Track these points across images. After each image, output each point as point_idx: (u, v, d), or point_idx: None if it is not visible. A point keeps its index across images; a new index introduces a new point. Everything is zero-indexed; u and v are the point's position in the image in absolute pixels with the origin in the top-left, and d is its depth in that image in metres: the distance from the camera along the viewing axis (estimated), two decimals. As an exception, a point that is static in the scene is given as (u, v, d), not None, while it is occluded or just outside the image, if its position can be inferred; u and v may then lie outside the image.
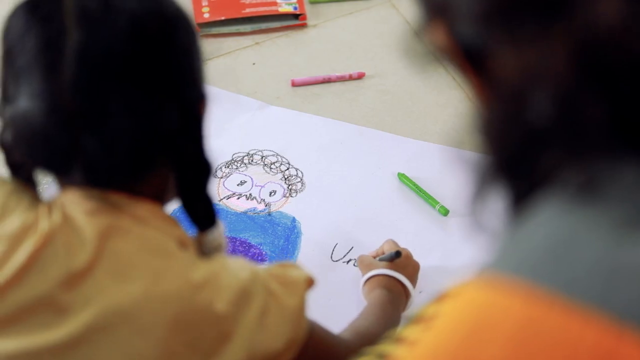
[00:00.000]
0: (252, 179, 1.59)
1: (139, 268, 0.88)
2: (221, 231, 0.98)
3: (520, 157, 0.58)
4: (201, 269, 0.91)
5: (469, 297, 0.57)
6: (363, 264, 1.36)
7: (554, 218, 0.57)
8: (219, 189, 1.57)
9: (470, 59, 0.62)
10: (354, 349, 1.09)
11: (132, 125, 0.86)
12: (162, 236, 0.91)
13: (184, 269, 0.90)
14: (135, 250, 0.88)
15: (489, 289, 0.56)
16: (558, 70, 0.55)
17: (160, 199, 0.95)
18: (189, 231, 0.97)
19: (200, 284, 0.89)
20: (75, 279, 0.86)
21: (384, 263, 1.33)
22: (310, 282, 1.01)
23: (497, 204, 0.61)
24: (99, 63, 0.83)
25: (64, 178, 0.90)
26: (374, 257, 1.36)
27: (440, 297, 0.59)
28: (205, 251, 0.96)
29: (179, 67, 0.89)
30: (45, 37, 0.84)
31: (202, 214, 0.96)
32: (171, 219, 0.94)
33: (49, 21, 0.84)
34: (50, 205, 0.90)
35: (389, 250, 1.36)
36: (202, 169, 0.94)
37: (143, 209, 0.91)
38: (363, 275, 1.35)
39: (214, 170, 0.94)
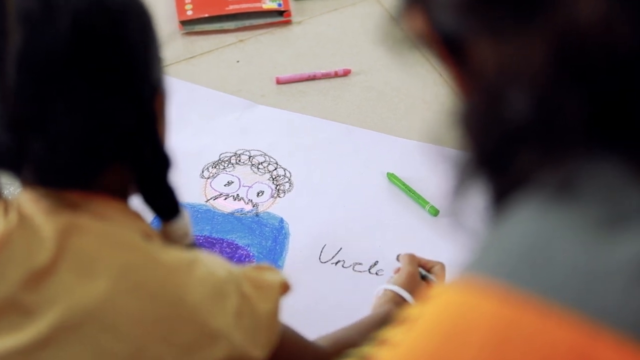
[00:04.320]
0: (239, 179, 1.60)
1: (103, 264, 0.88)
2: (186, 220, 0.98)
3: (499, 155, 0.58)
4: (171, 254, 0.91)
5: (446, 299, 0.58)
6: (409, 271, 1.33)
7: (531, 218, 0.57)
8: (205, 190, 1.58)
9: (450, 49, 0.62)
10: (328, 358, 1.10)
11: (80, 127, 0.85)
12: (124, 230, 0.90)
13: (151, 257, 0.90)
14: (98, 246, 0.88)
15: (466, 291, 0.56)
16: (536, 66, 0.55)
17: (123, 194, 0.95)
18: (154, 223, 0.97)
19: (171, 267, 0.90)
20: (37, 279, 0.86)
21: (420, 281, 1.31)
22: (285, 287, 1.01)
23: (478, 202, 0.61)
24: (41, 66, 0.83)
25: (21, 178, 0.91)
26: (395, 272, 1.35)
27: (425, 299, 0.60)
28: (172, 241, 0.96)
29: (129, 64, 0.88)
30: None
31: (165, 205, 0.96)
32: (133, 213, 0.94)
33: None
34: (6, 206, 0.90)
35: (405, 265, 1.33)
36: (160, 164, 0.93)
37: (102, 205, 0.91)
38: (394, 276, 1.33)
39: (173, 163, 0.93)
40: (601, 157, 0.56)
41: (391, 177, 1.58)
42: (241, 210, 1.55)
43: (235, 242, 1.50)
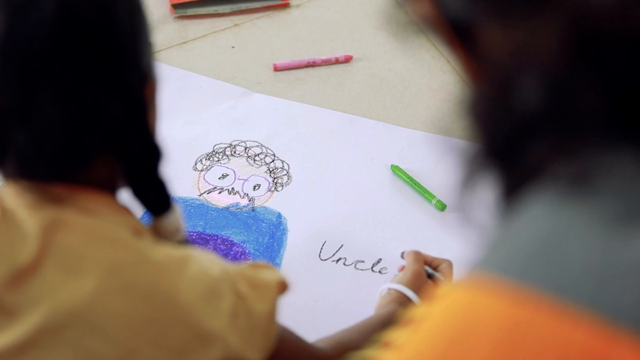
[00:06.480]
0: (234, 171, 1.61)
1: (90, 262, 0.87)
2: (178, 215, 0.98)
3: (509, 146, 0.58)
4: (162, 251, 0.91)
5: (455, 298, 0.57)
6: (415, 268, 1.33)
7: (544, 213, 0.57)
8: (199, 183, 1.59)
9: (458, 34, 0.61)
10: None
11: (66, 117, 0.85)
12: (113, 226, 0.90)
13: (141, 254, 0.89)
14: (85, 242, 0.88)
15: (475, 290, 0.56)
16: (549, 52, 0.55)
17: (111, 187, 0.95)
18: (144, 218, 0.97)
19: (162, 265, 0.90)
20: (20, 277, 0.86)
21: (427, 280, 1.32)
22: (283, 286, 1.01)
23: (488, 196, 0.61)
24: (25, 52, 0.83)
25: (3, 170, 0.91)
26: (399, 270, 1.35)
27: (431, 299, 0.60)
28: (163, 237, 0.97)
29: (117, 50, 0.88)
30: None
31: (155, 199, 0.96)
32: (122, 208, 0.94)
33: None
34: None
35: (410, 262, 1.34)
36: (150, 156, 0.93)
37: (89, 199, 0.91)
38: (398, 274, 1.34)
39: (164, 155, 0.93)
40: (617, 148, 0.56)
41: (395, 170, 1.59)
42: (236, 205, 1.56)
43: (230, 239, 1.50)
